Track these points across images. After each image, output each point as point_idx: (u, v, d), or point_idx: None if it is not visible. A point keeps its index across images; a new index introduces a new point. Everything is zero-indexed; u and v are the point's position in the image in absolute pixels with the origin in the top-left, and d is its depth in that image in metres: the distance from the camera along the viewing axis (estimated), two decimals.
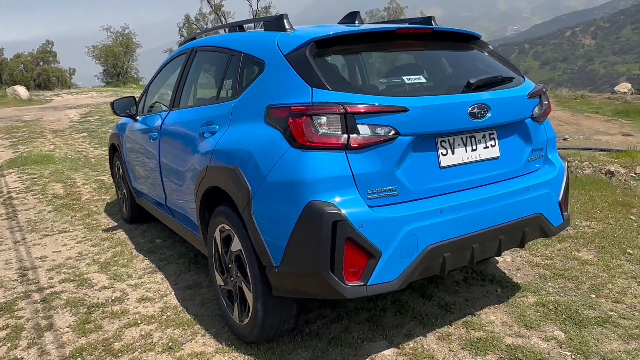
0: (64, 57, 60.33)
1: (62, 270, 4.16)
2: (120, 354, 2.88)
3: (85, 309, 3.44)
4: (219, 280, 3.05)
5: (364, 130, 2.27)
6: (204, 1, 48.67)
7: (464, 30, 2.99)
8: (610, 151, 7.06)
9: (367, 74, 2.60)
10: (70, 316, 3.37)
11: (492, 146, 2.66)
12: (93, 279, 3.96)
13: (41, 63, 55.13)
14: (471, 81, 2.53)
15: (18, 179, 7.83)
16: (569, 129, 13.35)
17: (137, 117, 4.50)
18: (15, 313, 3.45)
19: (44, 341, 3.08)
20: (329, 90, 2.31)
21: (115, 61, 44.37)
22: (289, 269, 2.37)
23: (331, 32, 2.55)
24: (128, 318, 3.29)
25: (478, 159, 2.61)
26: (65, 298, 3.63)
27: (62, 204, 6.27)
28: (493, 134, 2.67)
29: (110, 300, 3.56)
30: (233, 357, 2.78)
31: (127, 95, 4.54)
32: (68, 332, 3.17)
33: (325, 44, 2.53)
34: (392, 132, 2.30)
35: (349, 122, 2.25)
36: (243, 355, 2.78)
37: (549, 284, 3.42)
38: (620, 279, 3.41)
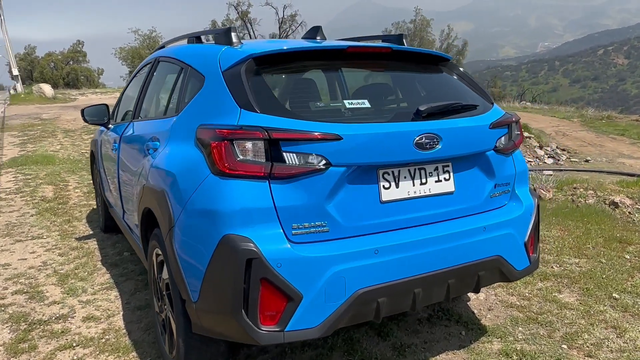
0: (94, 58, 61.58)
1: (20, 281, 4.03)
2: None
3: (26, 326, 3.29)
4: (156, 307, 2.86)
5: (291, 158, 2.05)
6: (231, 8, 49.11)
7: (428, 50, 2.75)
8: (634, 176, 6.68)
9: (306, 96, 2.39)
10: (9, 333, 3.22)
11: (445, 180, 2.41)
12: (47, 292, 3.81)
13: (71, 62, 56.38)
14: (421, 109, 2.29)
15: (13, 179, 7.82)
16: (592, 150, 12.84)
17: (110, 126, 4.37)
18: None
19: None
20: (257, 112, 2.11)
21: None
22: (206, 307, 2.16)
23: (272, 49, 2.35)
24: (66, 339, 3.12)
25: (428, 193, 2.36)
26: (11, 312, 3.49)
27: (47, 208, 6.20)
28: (448, 166, 2.42)
29: (54, 318, 3.40)
30: None
31: (100, 103, 4.40)
32: (0, 351, 3.01)
33: (265, 61, 2.33)
34: (323, 162, 2.08)
35: (273, 150, 2.04)
36: None
37: (520, 329, 3.13)
38: (598, 329, 3.10)
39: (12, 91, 29.74)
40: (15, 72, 29.63)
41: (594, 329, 3.09)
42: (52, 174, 8.18)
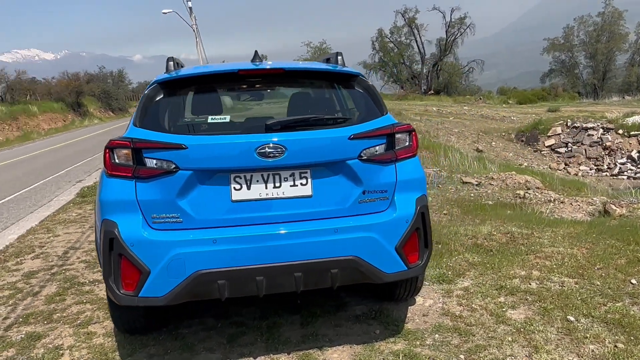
0: None
1: (92, 254, 5.24)
2: None
3: (68, 285, 4.40)
4: None
5: (150, 163, 2.63)
6: (398, 15, 49.82)
7: (318, 68, 3.04)
8: None
9: (182, 114, 2.89)
10: (55, 288, 4.35)
11: (302, 185, 2.72)
12: None
13: None
14: (267, 123, 2.66)
15: None
16: None
17: None
18: None
19: None
20: (138, 127, 2.73)
21: None
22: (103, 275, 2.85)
23: (173, 75, 2.94)
24: (86, 297, 4.12)
25: (282, 196, 2.70)
26: (67, 275, 4.68)
27: None
28: (305, 172, 2.73)
29: (89, 282, 4.46)
30: None
31: None
32: None
33: (167, 86, 2.93)
34: (173, 166, 2.61)
35: (137, 156, 2.64)
36: None
37: (436, 336, 3.17)
38: (514, 347, 2.98)
39: None
40: None
41: (507, 347, 2.99)
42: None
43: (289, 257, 2.66)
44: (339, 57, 3.42)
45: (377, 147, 2.80)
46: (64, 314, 3.82)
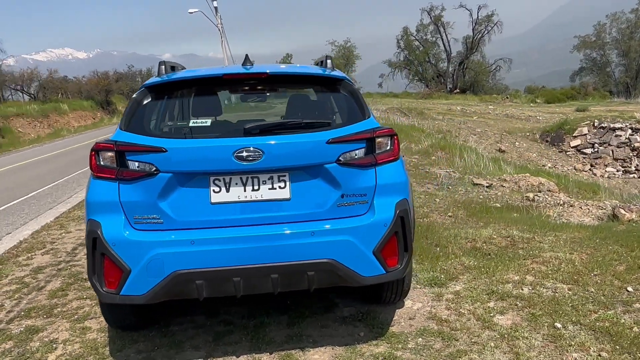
0: None
1: None
2: None
3: (72, 280, 4.55)
4: None
5: (133, 165, 2.72)
6: (424, 13, 49.34)
7: (303, 72, 3.07)
8: None
9: (169, 117, 2.95)
10: (60, 284, 4.50)
11: (281, 188, 2.77)
12: None
13: None
14: (246, 127, 2.71)
15: None
16: None
17: None
18: None
19: None
20: (123, 130, 2.82)
21: None
22: None
23: (160, 80, 3.02)
24: (87, 293, 4.25)
25: (260, 199, 2.75)
26: (73, 271, 4.83)
27: None
28: (284, 176, 2.77)
29: None
30: None
31: None
32: None
33: (154, 90, 3.01)
34: (153, 168, 2.69)
35: (120, 158, 2.73)
36: None
37: (419, 339, 3.18)
38: (496, 353, 2.96)
39: None
40: None
41: (489, 352, 2.97)
42: None
43: (266, 259, 2.70)
44: (328, 61, 3.45)
45: (356, 151, 2.82)
46: (64, 309, 3.95)
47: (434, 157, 10.98)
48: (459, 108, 30.14)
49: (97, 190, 2.78)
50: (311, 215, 2.80)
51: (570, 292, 3.66)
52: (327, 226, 2.76)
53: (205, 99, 3.13)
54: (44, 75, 39.60)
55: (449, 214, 6.10)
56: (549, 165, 17.83)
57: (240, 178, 2.75)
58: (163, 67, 3.33)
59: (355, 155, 2.82)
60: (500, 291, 3.73)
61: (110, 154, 2.76)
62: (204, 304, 3.75)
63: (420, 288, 3.91)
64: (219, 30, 32.20)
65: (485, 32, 48.03)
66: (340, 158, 2.79)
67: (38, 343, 3.42)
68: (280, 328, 3.42)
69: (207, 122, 2.96)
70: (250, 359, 3.08)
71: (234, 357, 3.11)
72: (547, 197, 6.58)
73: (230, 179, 2.75)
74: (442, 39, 49.37)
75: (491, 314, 3.43)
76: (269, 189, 2.76)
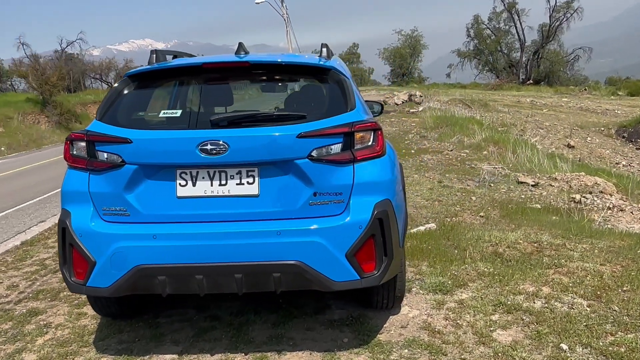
0: (369, 58, 67.04)
1: None
2: None
3: None
4: None
5: (101, 155, 2.68)
6: (497, 0, 47.16)
7: (287, 61, 2.89)
8: None
9: (144, 107, 2.87)
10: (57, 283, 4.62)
11: (249, 183, 2.62)
12: None
13: (347, 63, 63.02)
14: (211, 118, 2.58)
15: None
16: None
17: None
18: None
19: None
20: (98, 120, 2.79)
21: (402, 62, 47.42)
22: None
23: (141, 69, 2.95)
24: None
25: (227, 194, 2.62)
26: None
27: None
28: (253, 171, 2.62)
29: None
30: None
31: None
32: None
33: (137, 79, 2.95)
34: (120, 160, 2.63)
35: (90, 148, 2.69)
36: None
37: (405, 350, 2.94)
38: None
39: None
40: None
41: None
42: None
43: (229, 257, 2.58)
44: (324, 49, 3.25)
45: (331, 147, 2.62)
46: (69, 293, 4.05)
47: (485, 152, 10.39)
48: (528, 100, 28.54)
49: (69, 180, 2.77)
50: (281, 214, 2.63)
51: (588, 309, 3.26)
52: (296, 226, 2.59)
53: (185, 88, 3.04)
54: (120, 65, 41.74)
55: (481, 214, 5.70)
56: (624, 163, 16.43)
57: (208, 172, 2.63)
58: (154, 55, 3.27)
59: (330, 150, 2.62)
60: (509, 303, 3.39)
61: (82, 143, 2.73)
62: (196, 297, 3.70)
63: (422, 294, 3.64)
64: (284, 20, 32.44)
65: (564, 19, 45.15)
66: (312, 153, 2.60)
67: (33, 326, 3.52)
68: (265, 327, 3.29)
69: (177, 113, 2.86)
70: (224, 358, 2.99)
71: (209, 355, 3.02)
72: (596, 199, 5.98)
73: (197, 172, 2.64)
74: (516, 27, 46.95)
75: (491, 328, 3.12)
76: (237, 184, 2.63)
